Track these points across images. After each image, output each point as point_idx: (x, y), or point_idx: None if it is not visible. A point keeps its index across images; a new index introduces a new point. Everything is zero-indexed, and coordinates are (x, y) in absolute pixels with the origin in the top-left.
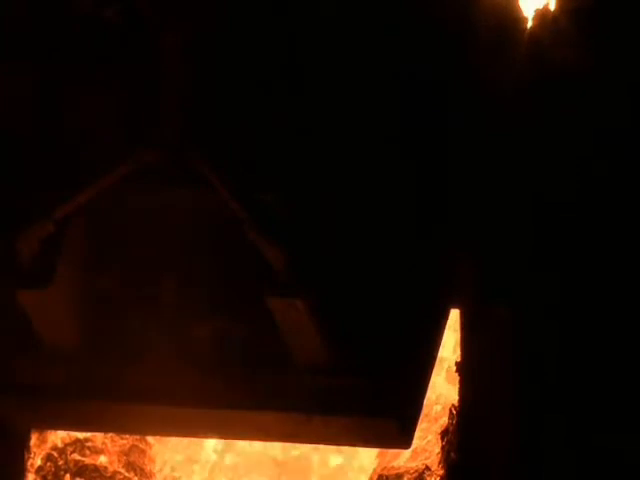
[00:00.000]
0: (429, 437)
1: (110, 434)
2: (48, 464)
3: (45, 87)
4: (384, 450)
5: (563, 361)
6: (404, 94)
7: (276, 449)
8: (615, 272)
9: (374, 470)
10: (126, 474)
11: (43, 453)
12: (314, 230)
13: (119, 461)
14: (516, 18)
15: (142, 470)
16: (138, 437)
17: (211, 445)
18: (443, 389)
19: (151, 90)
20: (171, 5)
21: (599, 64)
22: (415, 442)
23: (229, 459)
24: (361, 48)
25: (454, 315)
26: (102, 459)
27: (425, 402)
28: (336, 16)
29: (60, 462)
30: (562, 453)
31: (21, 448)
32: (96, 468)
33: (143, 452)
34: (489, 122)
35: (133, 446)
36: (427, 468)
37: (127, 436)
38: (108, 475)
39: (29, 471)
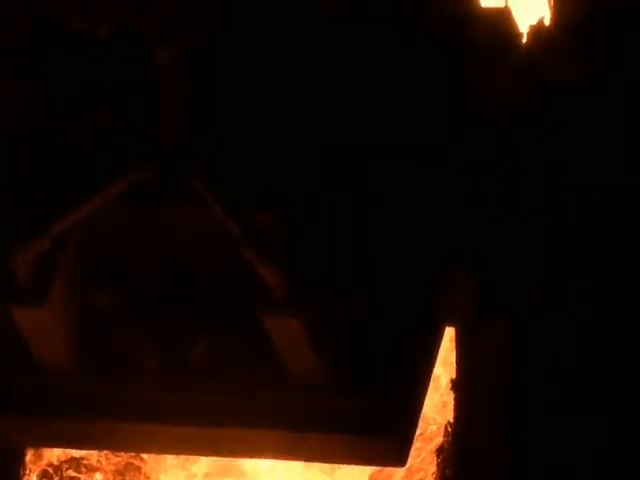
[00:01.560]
0: (423, 455)
1: (104, 452)
2: None
3: (40, 103)
4: (378, 469)
5: (561, 378)
6: (402, 111)
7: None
8: (615, 287)
9: None
10: None
11: (39, 470)
12: (310, 248)
13: None
14: (512, 34)
15: None
16: (133, 454)
17: None
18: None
19: (147, 106)
20: (166, 21)
21: (595, 78)
22: (410, 461)
23: None
24: (358, 65)
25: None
26: (97, 477)
27: (420, 421)
28: (333, 28)
29: (55, 479)
30: (559, 469)
31: (17, 464)
32: None
33: (138, 469)
34: (488, 137)
35: (128, 464)
36: None
37: (122, 454)
38: None
39: None
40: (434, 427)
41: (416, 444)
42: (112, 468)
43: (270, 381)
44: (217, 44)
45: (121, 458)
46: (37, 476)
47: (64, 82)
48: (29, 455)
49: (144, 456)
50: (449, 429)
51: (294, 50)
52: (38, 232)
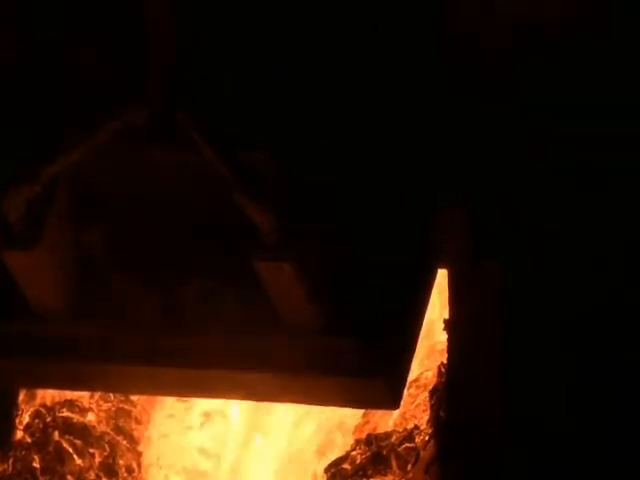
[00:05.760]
0: (417, 401)
1: (96, 397)
2: (36, 421)
3: (26, 46)
4: (364, 420)
5: (553, 316)
6: (385, 52)
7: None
8: (606, 230)
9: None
10: (115, 436)
11: (32, 410)
12: (302, 191)
13: (107, 424)
14: None
15: (131, 436)
16: (122, 399)
17: None
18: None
19: (138, 48)
20: None
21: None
22: (403, 407)
23: None
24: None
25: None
26: (90, 417)
27: (415, 367)
28: None
29: (48, 419)
30: (551, 406)
31: (10, 405)
32: (85, 426)
33: (129, 414)
34: (475, 77)
35: (118, 409)
36: (416, 427)
37: (112, 399)
38: (97, 435)
39: (17, 428)
40: (429, 373)
41: (409, 390)
42: (104, 415)
43: (264, 324)
44: None
45: (111, 403)
46: (30, 416)
47: (49, 24)
48: (22, 396)
49: (134, 400)
50: (442, 370)
51: None
52: (28, 177)
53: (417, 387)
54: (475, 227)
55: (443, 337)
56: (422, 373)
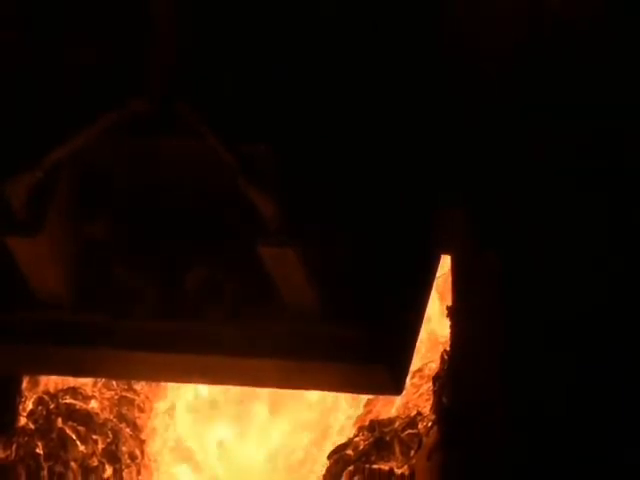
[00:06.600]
0: (421, 391)
1: (99, 386)
2: (40, 408)
3: (30, 36)
4: (375, 400)
5: (553, 315)
6: (388, 49)
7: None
8: (605, 230)
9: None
10: (118, 424)
11: (35, 397)
12: (305, 179)
13: (110, 412)
14: None
15: (134, 423)
16: (126, 387)
17: None
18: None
19: (141, 38)
20: None
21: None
22: (406, 397)
23: None
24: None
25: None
26: (93, 404)
27: (418, 358)
28: None
29: (51, 406)
30: (551, 392)
31: (13, 392)
32: (88, 413)
33: (131, 402)
34: (479, 73)
35: (121, 397)
36: (419, 413)
37: (115, 387)
38: (100, 422)
39: (21, 415)
40: (433, 364)
41: (413, 380)
42: (107, 402)
43: (268, 311)
44: None
45: (114, 391)
46: (33, 403)
47: (50, 16)
48: (25, 383)
49: (137, 388)
50: (445, 357)
51: None
52: (31, 163)
53: (421, 377)
54: (475, 227)
55: (446, 331)
56: (426, 364)
